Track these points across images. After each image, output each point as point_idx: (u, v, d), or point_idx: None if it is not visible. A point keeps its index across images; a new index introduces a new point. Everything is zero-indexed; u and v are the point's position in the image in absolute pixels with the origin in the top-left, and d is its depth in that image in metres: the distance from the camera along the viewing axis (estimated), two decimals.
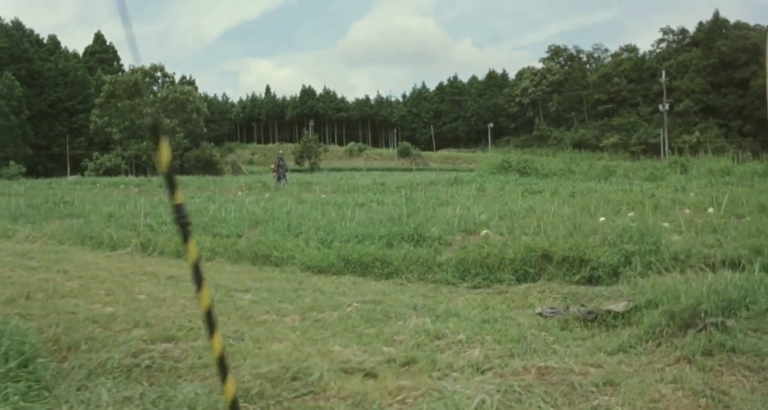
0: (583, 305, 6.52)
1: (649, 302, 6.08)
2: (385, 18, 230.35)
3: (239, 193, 27.46)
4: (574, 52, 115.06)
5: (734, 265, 7.54)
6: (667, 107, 77.58)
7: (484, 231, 10.89)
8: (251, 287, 8.27)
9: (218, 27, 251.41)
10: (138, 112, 59.36)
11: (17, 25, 75.84)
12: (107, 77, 60.79)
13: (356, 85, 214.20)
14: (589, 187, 22.99)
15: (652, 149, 76.86)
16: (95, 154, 60.94)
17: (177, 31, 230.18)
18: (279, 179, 31.84)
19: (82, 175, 55.06)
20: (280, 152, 34.25)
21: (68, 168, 60.23)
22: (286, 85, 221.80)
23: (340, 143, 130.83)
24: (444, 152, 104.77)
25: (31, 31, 76.92)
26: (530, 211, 14.98)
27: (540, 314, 6.57)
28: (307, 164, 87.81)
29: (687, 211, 13.95)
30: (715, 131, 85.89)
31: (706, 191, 18.14)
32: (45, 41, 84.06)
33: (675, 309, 5.40)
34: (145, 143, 60.47)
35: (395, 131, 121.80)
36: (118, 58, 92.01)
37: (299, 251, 10.15)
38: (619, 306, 6.31)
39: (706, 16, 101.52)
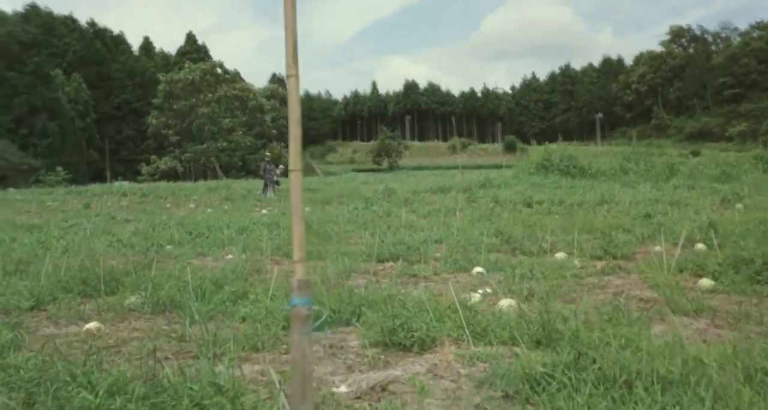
0: None
1: None
2: (520, 9, 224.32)
3: (191, 205, 22.74)
4: (698, 33, 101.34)
5: None
6: None
7: None
8: None
9: (354, 26, 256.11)
10: (196, 112, 55.83)
11: (91, 25, 74.96)
12: (163, 76, 57.77)
13: (489, 80, 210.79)
14: (615, 195, 16.17)
15: None
16: (152, 157, 58.18)
17: (313, 34, 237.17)
18: (265, 187, 26.34)
19: (136, 180, 52.28)
20: (267, 154, 28.80)
21: (108, 173, 57.88)
22: (422, 81, 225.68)
23: (444, 139, 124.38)
24: (553, 146, 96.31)
25: (105, 31, 75.66)
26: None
27: None
28: (385, 163, 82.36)
29: (656, 248, 7.83)
30: None
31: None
32: (136, 42, 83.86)
33: None
34: (205, 144, 56.97)
35: (498, 125, 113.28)
36: (210, 58, 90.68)
37: None
38: None
39: None
